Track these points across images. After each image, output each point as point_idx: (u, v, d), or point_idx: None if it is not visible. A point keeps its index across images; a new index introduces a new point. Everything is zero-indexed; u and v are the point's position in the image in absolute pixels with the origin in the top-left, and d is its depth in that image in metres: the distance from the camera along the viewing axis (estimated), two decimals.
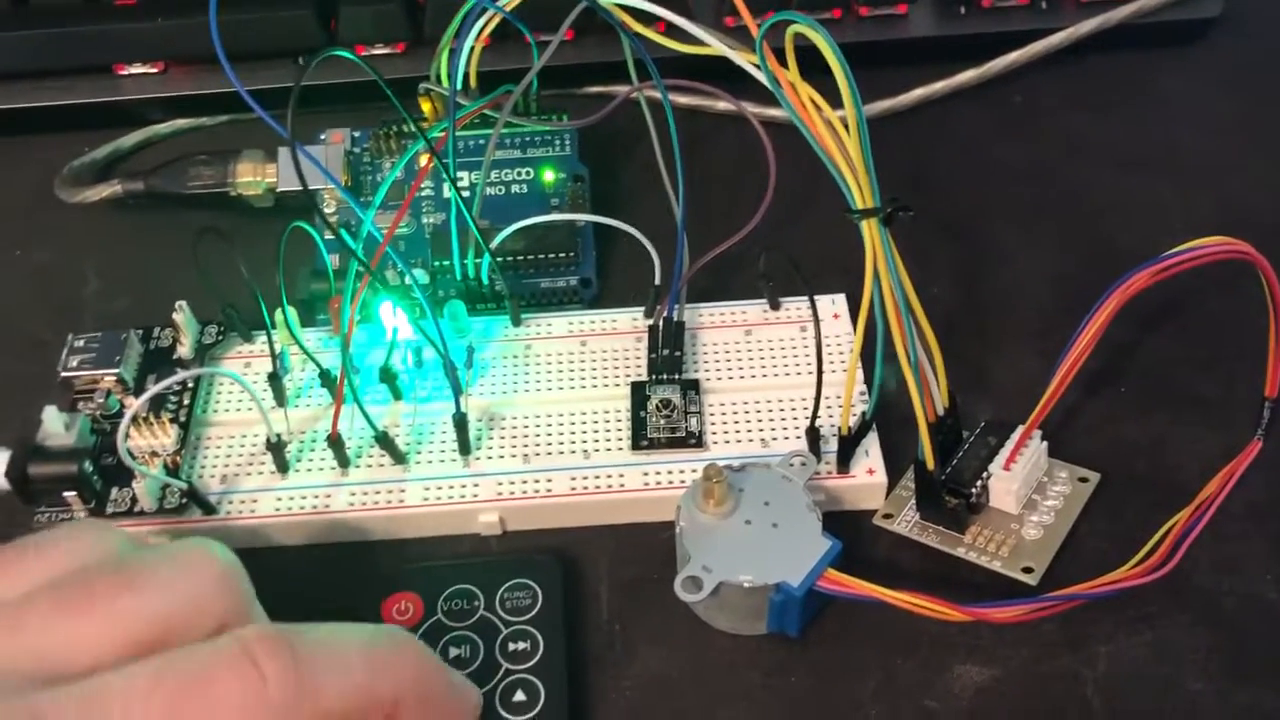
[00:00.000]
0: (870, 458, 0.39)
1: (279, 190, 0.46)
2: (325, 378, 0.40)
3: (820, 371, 0.37)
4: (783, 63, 0.36)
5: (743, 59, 0.37)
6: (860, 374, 0.40)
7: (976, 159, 0.50)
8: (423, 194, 0.46)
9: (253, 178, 0.46)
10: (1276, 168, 0.49)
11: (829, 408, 0.40)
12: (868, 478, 0.38)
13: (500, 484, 0.39)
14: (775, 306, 0.43)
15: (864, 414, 0.38)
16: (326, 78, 0.51)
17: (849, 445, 0.38)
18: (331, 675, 0.26)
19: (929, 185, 0.49)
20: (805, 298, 0.43)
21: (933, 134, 0.51)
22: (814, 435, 0.38)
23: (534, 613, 0.36)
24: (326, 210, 0.46)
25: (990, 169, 0.50)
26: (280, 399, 0.40)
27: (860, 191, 0.35)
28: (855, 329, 0.37)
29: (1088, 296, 0.36)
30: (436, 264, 0.44)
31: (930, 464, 0.36)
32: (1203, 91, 0.52)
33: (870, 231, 0.35)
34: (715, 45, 0.38)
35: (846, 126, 0.35)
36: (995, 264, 0.46)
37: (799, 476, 0.37)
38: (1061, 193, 0.49)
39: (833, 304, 0.43)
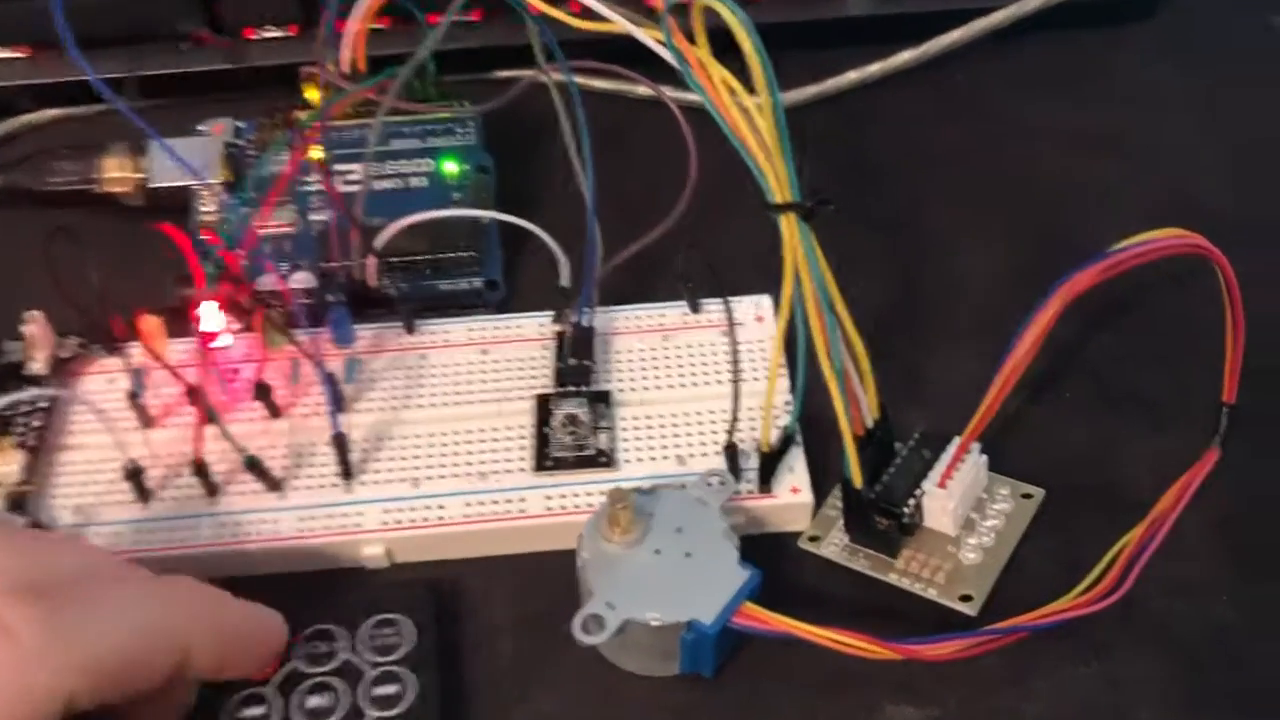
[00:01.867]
0: (795, 475, 0.35)
1: (151, 186, 0.41)
2: (192, 396, 0.36)
3: (738, 382, 0.34)
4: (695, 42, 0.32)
5: (648, 36, 0.33)
6: (788, 383, 0.36)
7: (916, 145, 0.47)
8: (310, 189, 0.42)
9: (121, 173, 0.42)
10: (1231, 150, 0.46)
11: (751, 421, 0.36)
12: (792, 497, 0.35)
13: (386, 511, 0.35)
14: (696, 309, 0.40)
15: (785, 428, 0.34)
16: (211, 64, 0.47)
17: (771, 462, 0.34)
18: (97, 624, 0.26)
19: (865, 174, 0.46)
20: (727, 299, 0.40)
21: (869, 119, 0.48)
22: (732, 452, 0.34)
23: (404, 651, 0.32)
24: (206, 209, 0.42)
25: (930, 156, 0.46)
26: (144, 420, 0.36)
27: (777, 183, 0.32)
28: (775, 333, 0.33)
29: (1033, 293, 0.32)
30: (324, 265, 0.40)
31: (858, 481, 0.33)
32: (1153, 71, 0.50)
33: (789, 227, 0.32)
34: (619, 22, 0.34)
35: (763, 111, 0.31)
36: (935, 259, 0.43)
37: (715, 499, 0.33)
38: (1006, 180, 0.45)
39: (757, 306, 0.40)
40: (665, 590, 0.31)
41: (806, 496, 0.35)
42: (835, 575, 0.34)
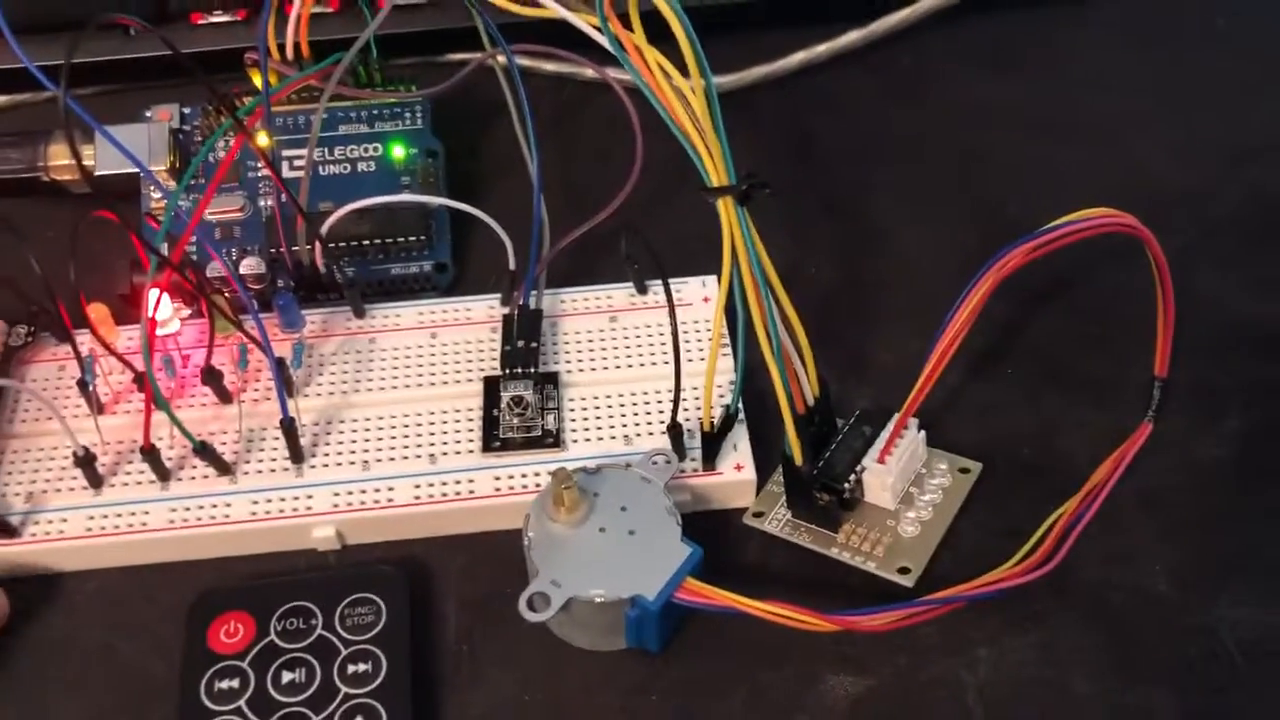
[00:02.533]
0: (738, 453, 0.36)
1: (97, 174, 0.41)
2: (140, 382, 0.36)
3: (678, 362, 0.34)
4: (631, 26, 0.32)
5: (583, 21, 0.34)
6: (731, 363, 0.37)
7: (862, 127, 0.47)
8: (259, 175, 0.42)
9: (67, 160, 0.42)
10: (1180, 128, 0.46)
11: (696, 400, 0.37)
12: (736, 474, 0.35)
13: (337, 494, 0.35)
14: (642, 290, 0.40)
15: (728, 406, 0.35)
16: (159, 49, 0.46)
17: (714, 441, 0.35)
18: None
19: (811, 156, 0.46)
20: (672, 280, 0.40)
21: (815, 101, 0.48)
22: (676, 431, 0.35)
23: (376, 630, 0.33)
24: (154, 195, 0.42)
25: (877, 137, 0.47)
26: (94, 407, 0.37)
27: (714, 167, 0.32)
28: (714, 314, 0.33)
29: (975, 270, 0.33)
30: (274, 251, 0.40)
31: (799, 459, 0.34)
32: (1101, 49, 0.50)
33: (726, 210, 0.32)
34: (554, 8, 0.34)
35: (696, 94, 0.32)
36: (881, 240, 0.43)
37: (659, 477, 0.34)
38: (953, 161, 0.46)
39: (704, 286, 0.40)
40: (610, 567, 0.32)
41: (750, 474, 0.35)
42: (778, 550, 0.35)
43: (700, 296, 0.40)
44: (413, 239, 0.41)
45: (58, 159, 0.42)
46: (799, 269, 0.42)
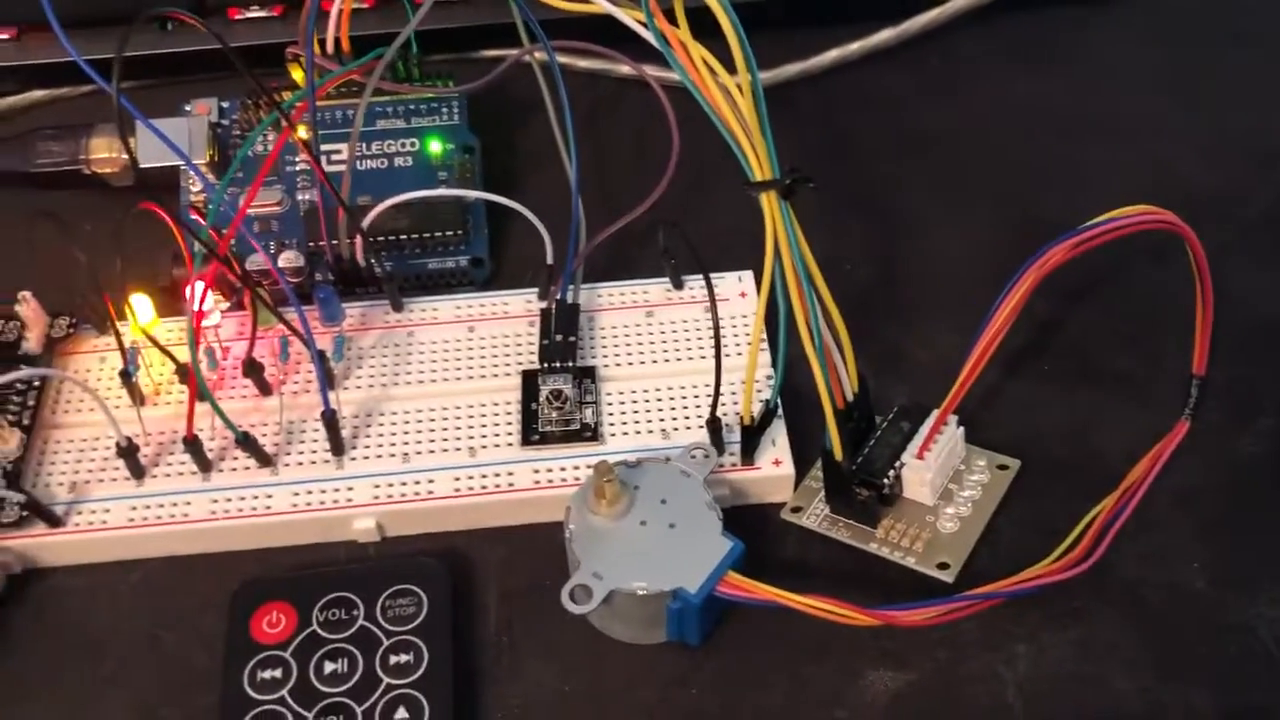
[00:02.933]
0: (777, 448, 0.36)
1: (138, 167, 0.42)
2: (183, 374, 0.37)
3: (720, 356, 0.34)
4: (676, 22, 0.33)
5: (629, 17, 0.34)
6: (769, 357, 0.37)
7: (896, 124, 0.47)
8: (297, 169, 0.43)
9: (108, 154, 0.42)
10: (1212, 127, 0.46)
11: (734, 395, 0.37)
12: (774, 469, 0.36)
13: (377, 486, 0.35)
14: (678, 285, 0.40)
15: (767, 401, 0.35)
16: (196, 44, 0.47)
17: (753, 435, 0.35)
18: None
19: (845, 153, 0.47)
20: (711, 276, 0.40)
21: (849, 98, 0.48)
22: (715, 425, 0.35)
23: (418, 622, 0.33)
24: (193, 189, 0.42)
25: (910, 134, 0.47)
26: (136, 398, 0.37)
27: (757, 161, 0.32)
28: (757, 308, 0.34)
29: (1012, 270, 0.33)
30: (312, 245, 0.40)
31: (839, 454, 0.34)
32: (1133, 47, 0.50)
33: (769, 205, 0.32)
34: (600, 3, 0.34)
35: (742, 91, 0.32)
36: (915, 236, 0.43)
37: (699, 471, 0.34)
38: (985, 158, 0.46)
39: (740, 281, 0.40)
40: (651, 560, 0.32)
41: (788, 469, 0.36)
42: (817, 545, 0.35)
43: (737, 291, 0.40)
44: (450, 234, 0.41)
45: (99, 152, 0.42)
46: (834, 265, 0.41)
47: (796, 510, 0.36)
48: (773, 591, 0.32)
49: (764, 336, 0.37)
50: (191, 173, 0.41)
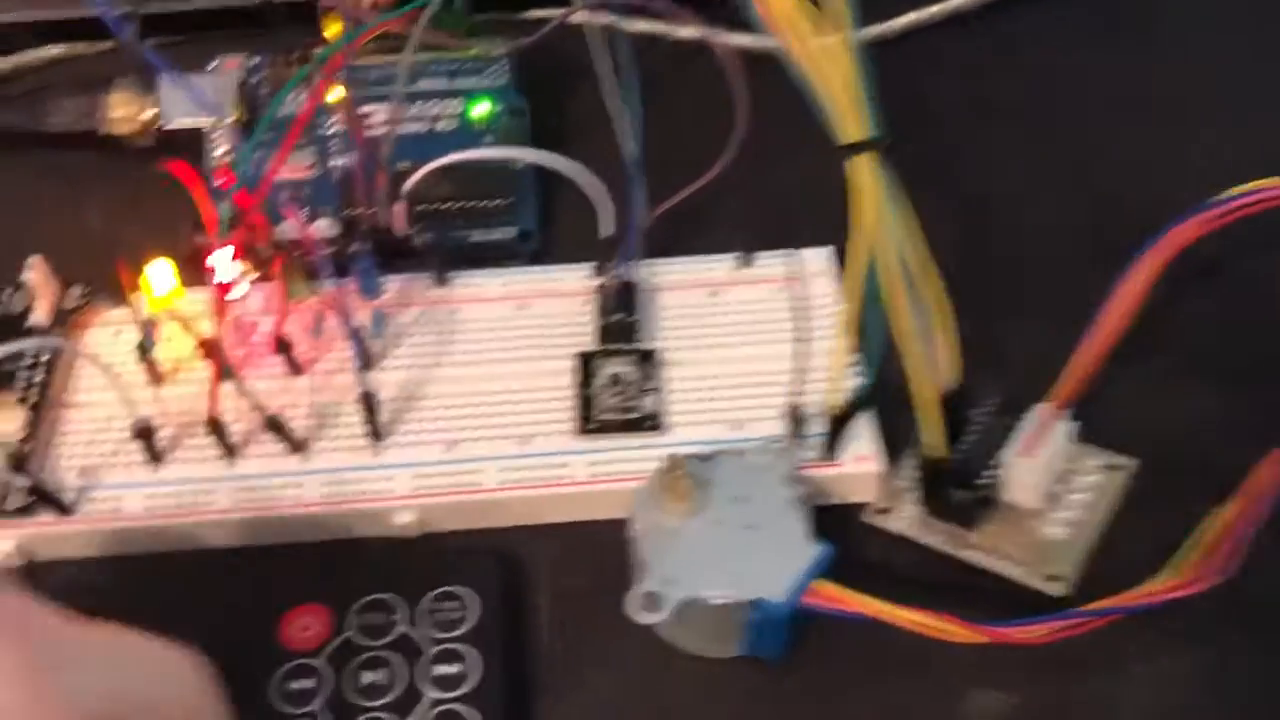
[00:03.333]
0: (863, 442, 0.32)
1: (160, 127, 0.38)
2: (207, 350, 0.33)
3: (800, 340, 0.31)
4: None
5: None
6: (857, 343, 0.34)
7: (974, 94, 0.44)
8: (329, 132, 0.39)
9: (127, 112, 0.39)
10: None
11: (816, 382, 0.33)
12: (860, 466, 0.32)
13: (419, 476, 0.32)
14: (747, 262, 0.37)
15: (858, 390, 0.31)
16: None
17: (838, 427, 0.32)
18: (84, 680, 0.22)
19: (920, 124, 0.42)
20: (782, 252, 0.37)
21: (924, 65, 0.44)
22: (796, 416, 0.32)
23: (468, 627, 0.29)
24: (219, 151, 0.39)
25: (990, 106, 0.43)
26: (154, 375, 0.34)
27: (851, 119, 0.29)
28: (845, 287, 0.30)
29: (1111, 250, 0.30)
30: (347, 213, 0.37)
31: (937, 449, 0.30)
32: (1227, 14, 0.46)
33: (862, 168, 0.29)
34: None
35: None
36: (999, 215, 0.40)
37: (779, 466, 0.30)
38: (1071, 131, 0.42)
39: (817, 258, 0.37)
40: (729, 565, 0.29)
41: (875, 465, 0.32)
42: (906, 551, 0.32)
43: (813, 270, 0.36)
44: (496, 203, 0.38)
45: (117, 110, 0.39)
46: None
47: (883, 512, 0.32)
48: (869, 603, 0.28)
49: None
50: (216, 134, 0.38)
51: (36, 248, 0.35)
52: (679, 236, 0.38)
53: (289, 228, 0.36)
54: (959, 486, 0.31)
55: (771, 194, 0.38)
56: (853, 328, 0.30)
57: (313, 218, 0.37)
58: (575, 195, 0.37)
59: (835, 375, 0.30)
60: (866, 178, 0.29)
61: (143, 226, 0.33)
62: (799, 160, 0.40)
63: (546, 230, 0.39)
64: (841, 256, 0.36)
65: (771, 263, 0.37)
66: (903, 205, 0.29)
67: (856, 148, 0.29)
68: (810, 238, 0.37)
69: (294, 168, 0.38)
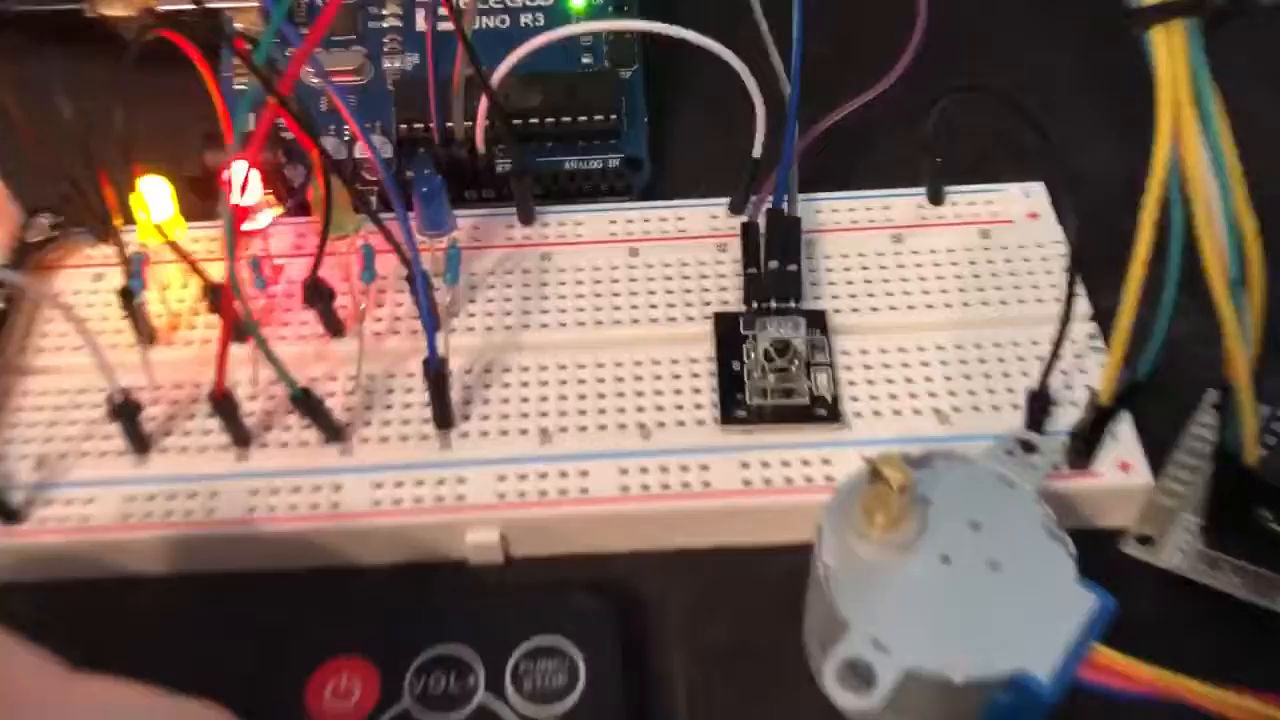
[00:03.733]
0: (1122, 445, 0.23)
1: (160, 8, 0.30)
2: (215, 299, 0.25)
3: (1071, 298, 0.21)
4: None
5: None
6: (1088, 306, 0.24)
7: None
8: (383, 25, 0.30)
9: None
10: None
11: (1037, 358, 0.24)
12: (1120, 476, 0.23)
13: (503, 479, 0.23)
14: (937, 199, 0.27)
15: (1141, 372, 0.22)
16: None
17: (1101, 423, 0.22)
18: None
19: None
20: (981, 188, 0.28)
21: None
22: (1043, 405, 0.22)
23: (572, 700, 0.21)
24: (237, 28, 0.30)
25: None
26: (143, 332, 0.25)
27: None
28: (1141, 222, 0.21)
29: None
30: (403, 128, 0.28)
31: (1251, 455, 0.21)
32: None
33: (1169, 45, 0.20)
34: None
35: None
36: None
37: (1028, 476, 0.21)
38: None
39: (1026, 196, 0.28)
40: (965, 624, 0.19)
41: (1141, 476, 0.23)
42: (1180, 595, 0.23)
43: (1023, 211, 0.27)
44: (597, 119, 0.29)
45: None
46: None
47: (1146, 541, 0.23)
48: (1167, 679, 0.19)
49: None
50: (232, 18, 0.29)
51: None
52: (842, 164, 0.29)
53: (331, 143, 0.27)
54: (1272, 506, 0.22)
55: (964, 110, 0.29)
56: (1137, 283, 0.20)
57: (363, 133, 0.28)
58: (698, 114, 0.28)
59: (1119, 345, 0.21)
60: (1178, 63, 0.19)
61: (137, 138, 0.24)
62: (1002, 66, 0.31)
63: (661, 158, 0.30)
64: (1055, 193, 0.27)
65: (968, 199, 0.27)
66: (1221, 113, 0.20)
67: (1165, 10, 0.19)
68: (1009, 170, 0.28)
69: (340, 69, 0.30)
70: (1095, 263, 0.22)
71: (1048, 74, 0.32)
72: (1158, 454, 0.24)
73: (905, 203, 0.28)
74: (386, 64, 0.30)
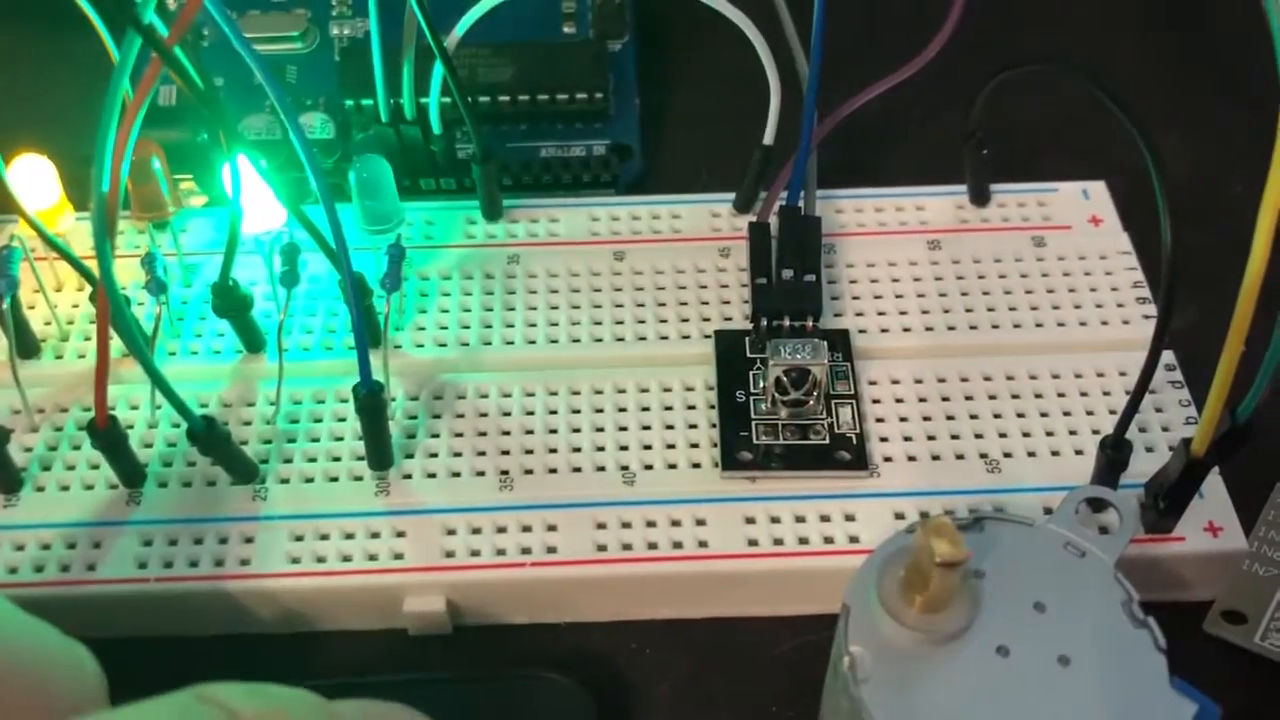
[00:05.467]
0: (1209, 505, 0.19)
1: None
2: (100, 299, 0.20)
3: (1165, 327, 0.17)
4: None
5: None
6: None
7: None
8: None
9: None
10: None
11: (1108, 397, 0.20)
12: (1206, 541, 0.19)
13: (452, 533, 0.19)
14: (982, 199, 0.23)
15: (1238, 416, 0.18)
16: None
17: (1193, 480, 0.18)
18: None
19: None
20: (1032, 186, 0.24)
21: None
22: (1118, 454, 0.18)
23: None
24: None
25: None
26: (17, 343, 0.20)
27: None
28: (1257, 242, 0.16)
29: None
30: (350, 104, 0.24)
31: None
32: None
33: None
34: None
35: None
36: None
37: (1105, 546, 0.17)
38: None
39: (1086, 197, 0.23)
40: None
41: (1234, 541, 0.19)
42: (1270, 679, 0.18)
43: (1083, 214, 0.23)
44: (580, 97, 0.24)
45: None
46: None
47: (1235, 619, 0.19)
48: None
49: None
50: None
51: None
52: (866, 158, 0.25)
53: (262, 121, 0.23)
54: None
55: (1007, 102, 0.24)
56: (1248, 311, 0.16)
57: (299, 110, 0.24)
58: (690, 99, 0.24)
59: (1220, 392, 0.17)
60: None
61: (26, 110, 0.20)
62: (1040, 46, 0.27)
63: (652, 148, 0.26)
64: (1120, 194, 0.23)
65: (1018, 200, 0.23)
66: None
67: None
68: (1063, 167, 0.24)
69: (276, 34, 0.25)
70: (1159, 278, 0.18)
71: (1101, 59, 0.28)
72: (1248, 514, 0.20)
73: (943, 202, 0.23)
74: (335, 31, 0.26)
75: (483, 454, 0.20)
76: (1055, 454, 0.20)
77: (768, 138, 0.22)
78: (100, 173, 0.17)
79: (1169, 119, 0.26)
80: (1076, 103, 0.25)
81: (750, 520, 0.19)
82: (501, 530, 0.19)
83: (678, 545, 0.19)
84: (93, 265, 0.18)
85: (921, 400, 0.20)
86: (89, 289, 0.21)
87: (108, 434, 0.18)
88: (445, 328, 0.21)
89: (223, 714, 0.14)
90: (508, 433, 0.20)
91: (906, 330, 0.21)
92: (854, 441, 0.20)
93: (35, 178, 0.20)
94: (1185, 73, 0.28)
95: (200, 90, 0.18)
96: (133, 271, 0.21)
